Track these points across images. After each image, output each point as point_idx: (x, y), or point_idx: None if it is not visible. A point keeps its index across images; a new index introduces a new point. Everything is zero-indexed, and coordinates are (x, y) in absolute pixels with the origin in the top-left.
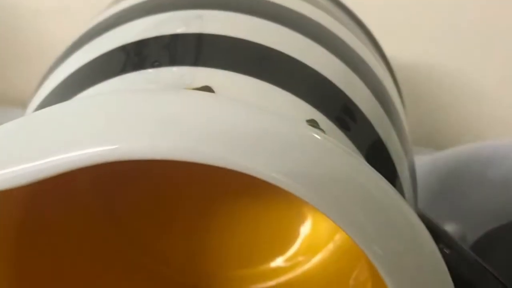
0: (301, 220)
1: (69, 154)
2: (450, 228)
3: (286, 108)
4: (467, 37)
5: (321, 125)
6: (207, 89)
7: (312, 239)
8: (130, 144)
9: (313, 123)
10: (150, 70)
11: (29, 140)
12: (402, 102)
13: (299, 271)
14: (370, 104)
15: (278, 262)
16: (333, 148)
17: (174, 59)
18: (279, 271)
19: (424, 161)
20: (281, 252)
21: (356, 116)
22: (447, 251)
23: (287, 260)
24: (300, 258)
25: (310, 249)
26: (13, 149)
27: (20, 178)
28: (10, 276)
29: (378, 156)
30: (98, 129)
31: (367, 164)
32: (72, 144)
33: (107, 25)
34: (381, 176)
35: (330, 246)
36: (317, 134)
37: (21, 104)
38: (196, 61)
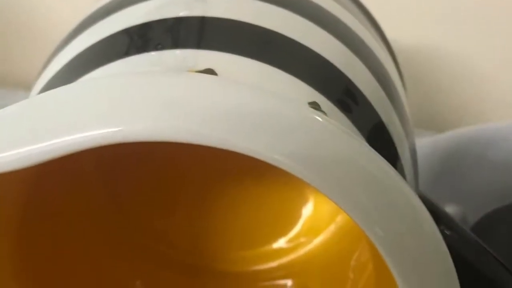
0: (303, 202)
1: (73, 136)
2: (450, 209)
3: (289, 91)
4: (468, 20)
5: (323, 108)
6: (210, 71)
7: (314, 221)
8: (134, 126)
9: (315, 105)
10: (153, 53)
11: (34, 123)
12: (403, 84)
13: (301, 252)
14: (372, 87)
15: (280, 243)
16: (335, 130)
17: (177, 42)
18: (281, 252)
19: (425, 144)
20: (283, 233)
21: (357, 98)
22: (447, 232)
23: (289, 241)
24: (302, 239)
25: (311, 231)
26: (17, 131)
27: (25, 160)
28: (14, 257)
29: (380, 138)
30: (102, 111)
31: (369, 146)
32: (76, 126)
33: (110, 8)
34: (382, 158)
35: (332, 228)
36: (319, 116)
37: (25, 87)
38: (199, 44)
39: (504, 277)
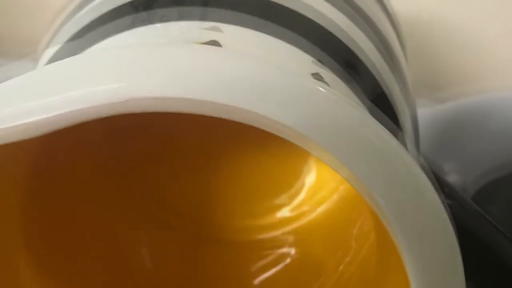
0: (306, 171)
1: (80, 106)
2: (451, 179)
3: (292, 62)
4: None
5: (325, 79)
6: (214, 43)
7: (317, 190)
8: (140, 97)
9: (317, 76)
10: (158, 25)
11: (40, 93)
12: (405, 55)
13: (304, 221)
14: (374, 58)
15: (284, 212)
16: (337, 100)
17: (182, 14)
18: (284, 221)
19: (426, 114)
20: (287, 202)
21: (359, 69)
22: (448, 201)
23: (292, 210)
24: (305, 208)
25: (314, 200)
26: (24, 102)
27: (32, 131)
28: (23, 223)
29: (381, 108)
30: (109, 81)
31: (371, 116)
32: (84, 96)
33: None
34: (384, 128)
35: (335, 197)
36: (322, 87)
37: (32, 58)
38: (203, 16)
39: (504, 245)
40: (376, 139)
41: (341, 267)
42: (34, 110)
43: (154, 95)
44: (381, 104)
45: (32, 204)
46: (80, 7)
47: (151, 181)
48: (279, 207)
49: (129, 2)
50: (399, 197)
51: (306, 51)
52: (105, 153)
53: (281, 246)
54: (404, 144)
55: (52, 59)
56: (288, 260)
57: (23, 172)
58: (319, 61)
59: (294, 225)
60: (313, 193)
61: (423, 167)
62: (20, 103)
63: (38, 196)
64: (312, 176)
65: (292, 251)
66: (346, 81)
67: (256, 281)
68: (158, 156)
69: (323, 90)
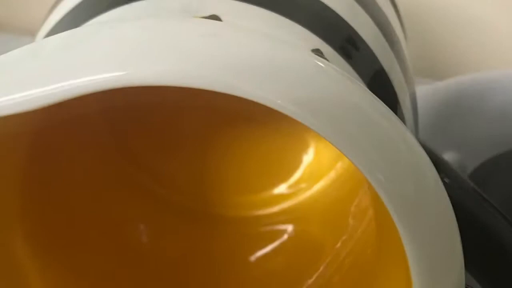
0: (304, 148)
1: (78, 80)
2: (449, 157)
3: (292, 38)
4: None
5: (326, 55)
6: (215, 17)
7: (315, 167)
8: (139, 71)
9: (318, 52)
10: None
11: (39, 66)
12: (404, 33)
13: (301, 197)
14: (373, 35)
15: (281, 188)
16: (337, 76)
17: None
18: (282, 197)
19: (424, 92)
20: (284, 179)
21: (359, 46)
22: (446, 180)
23: (290, 187)
24: (303, 185)
25: (312, 177)
26: (22, 75)
27: (30, 103)
28: (20, 202)
29: (381, 85)
30: (107, 55)
31: (371, 92)
32: (82, 70)
33: None
34: (383, 103)
35: (332, 174)
36: (322, 62)
37: (31, 33)
38: None
39: (501, 224)
40: (376, 115)
41: (338, 245)
42: (31, 83)
43: (153, 71)
44: (380, 80)
45: (29, 184)
46: None
47: (148, 157)
48: (277, 184)
49: None
50: (398, 174)
51: (306, 27)
52: (102, 131)
53: (278, 223)
54: (403, 120)
55: (51, 33)
56: (285, 237)
57: (21, 151)
58: (319, 37)
59: (291, 202)
60: (310, 170)
61: (421, 145)
62: (17, 77)
63: (36, 176)
64: (310, 153)
65: (289, 228)
66: (346, 57)
67: (252, 257)
68: (156, 133)
69: (323, 66)
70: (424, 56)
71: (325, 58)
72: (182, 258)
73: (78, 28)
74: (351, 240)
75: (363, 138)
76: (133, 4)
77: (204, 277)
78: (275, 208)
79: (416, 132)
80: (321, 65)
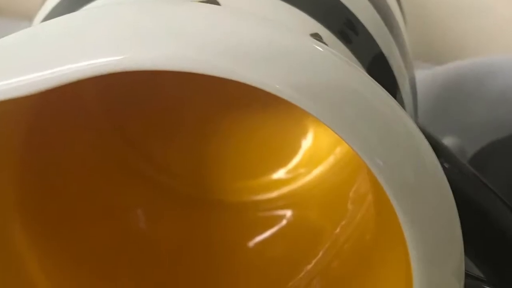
0: (303, 133)
1: (76, 64)
2: (448, 141)
3: (291, 22)
4: None
5: (325, 39)
6: (213, 1)
7: (313, 152)
8: (137, 55)
9: (316, 36)
10: None
11: (36, 50)
12: (404, 17)
13: (300, 183)
14: (372, 19)
15: (280, 173)
16: (335, 60)
17: None
18: (280, 182)
19: (423, 76)
20: (283, 164)
21: (358, 30)
22: (446, 165)
23: (288, 172)
24: (301, 170)
25: (311, 162)
26: (19, 59)
27: (27, 88)
28: (16, 186)
29: (380, 70)
30: (106, 39)
31: (370, 77)
32: (80, 54)
33: None
34: (383, 88)
35: (331, 159)
36: (321, 46)
37: (28, 17)
38: None
39: (501, 209)
40: (375, 99)
41: (337, 230)
42: (28, 68)
43: (151, 56)
44: (379, 65)
45: (26, 167)
46: None
47: (146, 142)
48: (275, 169)
49: None
50: (398, 158)
51: (304, 11)
52: (99, 114)
53: (277, 208)
54: (402, 105)
55: (48, 17)
56: (283, 223)
57: (18, 135)
58: (318, 21)
59: (290, 187)
60: (309, 155)
61: (421, 130)
62: (14, 61)
63: (32, 159)
64: (309, 138)
65: (288, 213)
66: (345, 42)
67: (251, 243)
68: (154, 117)
69: (322, 50)
70: (424, 40)
71: (324, 43)
72: (180, 244)
73: (75, 12)
74: (350, 226)
75: (362, 123)
76: None
77: (202, 263)
78: (274, 193)
79: (415, 117)
80: (320, 50)
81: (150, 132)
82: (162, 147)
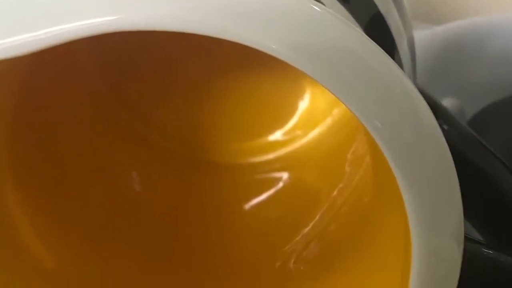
0: (300, 94)
1: (70, 24)
2: (448, 103)
3: None
4: None
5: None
6: None
7: (310, 113)
8: (132, 15)
9: None
10: None
11: (28, 11)
12: None
13: (297, 145)
14: None
15: (277, 135)
16: (332, 19)
17: None
18: (277, 144)
19: (422, 36)
20: (280, 125)
21: None
22: (445, 127)
23: (285, 134)
24: (298, 132)
25: (308, 123)
26: (11, 20)
27: (20, 48)
28: (9, 147)
29: (378, 30)
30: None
31: (367, 37)
32: (73, 14)
33: None
34: (380, 48)
35: (328, 121)
36: (317, 6)
37: None
38: None
39: (500, 171)
40: (373, 60)
41: (334, 193)
42: (20, 28)
43: (145, 16)
44: (377, 25)
45: (18, 129)
46: None
47: (140, 102)
48: (272, 130)
49: None
50: (396, 120)
51: None
52: (93, 75)
53: (274, 170)
54: (401, 66)
55: None
56: (280, 185)
57: (10, 95)
58: None
59: (287, 149)
60: (306, 117)
61: (420, 91)
62: (5, 22)
63: (26, 121)
64: (306, 99)
65: (285, 175)
66: (342, 1)
67: (247, 205)
68: (149, 77)
69: (319, 9)
70: (423, 0)
71: (321, 2)
72: (175, 205)
73: None
74: (348, 188)
75: (360, 84)
76: None
77: (198, 225)
78: (271, 155)
79: (414, 78)
80: (317, 9)
81: (145, 93)
82: (158, 109)
